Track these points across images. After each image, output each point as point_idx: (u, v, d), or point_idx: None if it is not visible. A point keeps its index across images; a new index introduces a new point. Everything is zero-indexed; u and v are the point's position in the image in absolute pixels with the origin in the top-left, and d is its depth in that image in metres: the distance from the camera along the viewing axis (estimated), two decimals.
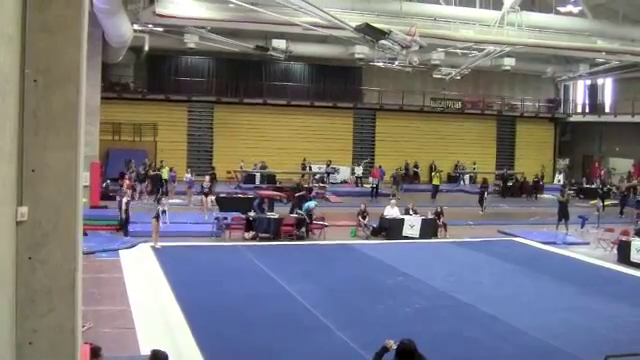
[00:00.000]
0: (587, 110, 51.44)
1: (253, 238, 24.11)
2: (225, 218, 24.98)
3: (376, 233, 25.80)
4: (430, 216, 26.63)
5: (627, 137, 46.16)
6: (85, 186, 24.59)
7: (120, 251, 20.84)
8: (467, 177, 46.60)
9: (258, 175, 40.19)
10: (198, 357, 11.78)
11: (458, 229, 27.55)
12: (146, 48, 33.05)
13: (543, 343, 13.26)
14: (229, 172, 39.83)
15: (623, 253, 22.83)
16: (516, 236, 26.79)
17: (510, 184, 43.17)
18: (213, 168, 36.45)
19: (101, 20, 22.79)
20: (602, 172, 45.71)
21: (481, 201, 33.34)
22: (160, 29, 32.87)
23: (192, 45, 35.07)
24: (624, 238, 23.57)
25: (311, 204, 26.23)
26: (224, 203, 29.17)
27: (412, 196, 34.23)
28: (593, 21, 35.10)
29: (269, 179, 39.72)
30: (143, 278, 17.83)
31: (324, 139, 44.49)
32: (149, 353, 8.19)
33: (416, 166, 45.86)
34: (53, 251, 3.77)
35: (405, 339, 7.79)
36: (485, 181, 36.31)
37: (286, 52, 38.05)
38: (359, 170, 43.20)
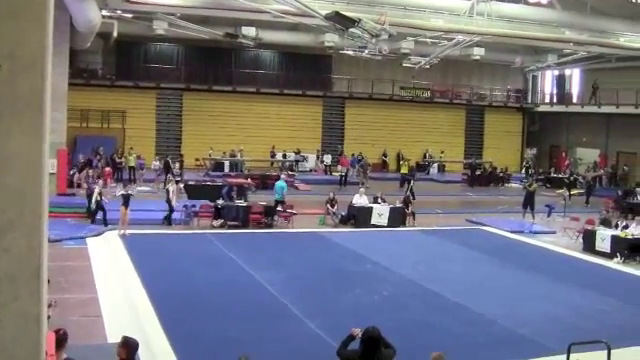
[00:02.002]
0: (555, 100, 51.82)
1: (221, 226, 24.05)
2: (194, 206, 24.90)
3: (345, 221, 25.86)
4: (398, 204, 26.73)
5: (594, 127, 46.60)
6: (52, 173, 24.43)
7: (87, 239, 20.70)
8: (435, 166, 46.78)
9: (227, 163, 40.09)
10: (165, 345, 11.74)
11: (426, 217, 27.68)
12: (115, 34, 32.69)
13: (510, 331, 13.39)
14: (198, 160, 39.68)
15: (588, 242, 23.09)
16: (484, 225, 26.98)
17: (478, 173, 43.43)
18: (182, 155, 36.24)
19: (69, 5, 22.53)
20: (568, 162, 46.11)
21: (411, 191, 32.43)
22: (129, 15, 32.56)
23: (161, 32, 34.74)
24: (589, 227, 23.86)
25: (283, 185, 26.42)
26: (193, 191, 29.06)
27: (381, 184, 34.29)
28: (562, 12, 35.32)
29: (238, 167, 39.62)
30: (111, 266, 17.73)
31: (293, 127, 44.43)
32: (119, 340, 8.13)
33: (385, 154, 45.99)
34: (18, 239, 3.72)
35: (370, 326, 7.80)
36: (412, 168, 36.42)
37: (256, 40, 37.87)
38: (328, 158, 43.25)
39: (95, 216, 23.14)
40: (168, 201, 24.02)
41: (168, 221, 23.77)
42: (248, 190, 29.15)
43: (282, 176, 29.51)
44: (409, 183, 33.23)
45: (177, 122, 43.39)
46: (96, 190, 23.39)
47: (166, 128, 43.18)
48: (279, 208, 25.40)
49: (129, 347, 7.78)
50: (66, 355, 7.75)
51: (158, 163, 33.10)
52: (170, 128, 43.28)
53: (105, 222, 22.83)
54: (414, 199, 29.01)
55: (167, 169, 32.86)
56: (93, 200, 23.13)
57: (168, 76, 42.65)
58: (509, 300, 15.87)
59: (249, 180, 32.64)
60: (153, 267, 17.56)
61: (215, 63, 43.18)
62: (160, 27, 34.37)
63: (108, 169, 31.27)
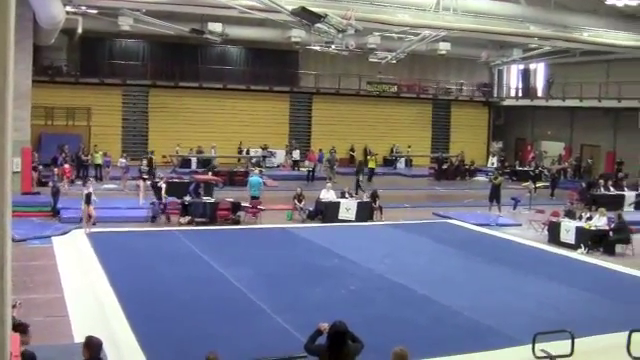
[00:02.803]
0: (520, 94, 52.27)
1: (189, 223, 24.01)
2: (161, 203, 24.80)
3: (312, 216, 25.90)
4: (366, 199, 26.83)
5: (558, 121, 47.07)
6: (15, 172, 24.17)
7: (53, 238, 20.53)
8: (403, 160, 46.98)
9: (194, 159, 39.95)
10: (133, 343, 11.69)
11: (394, 212, 27.82)
12: (79, 31, 32.32)
13: (477, 323, 13.50)
14: (165, 156, 39.50)
15: (553, 234, 23.39)
16: (451, 218, 27.17)
17: (445, 167, 43.69)
18: (152, 152, 36.06)
19: (32, 1, 22.29)
20: (533, 155, 46.53)
21: (357, 184, 32.77)
22: (94, 11, 32.24)
23: (126, 28, 34.42)
24: (554, 219, 24.14)
25: (260, 180, 26.65)
26: (159, 188, 28.87)
27: (348, 179, 34.36)
28: (526, 7, 35.55)
29: (205, 163, 39.48)
30: (77, 265, 17.61)
31: (260, 123, 44.34)
32: (84, 340, 8.07)
33: (352, 149, 46.09)
34: None
35: (337, 321, 7.88)
36: (360, 163, 36.34)
37: (222, 35, 37.66)
38: (296, 154, 43.25)
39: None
40: (159, 197, 24.28)
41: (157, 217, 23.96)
42: (215, 187, 29.06)
43: (255, 171, 29.50)
44: (357, 177, 33.36)
45: (143, 119, 43.13)
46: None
47: (132, 125, 42.91)
48: (245, 204, 25.35)
49: (92, 346, 7.74)
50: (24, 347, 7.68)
51: (125, 160, 32.86)
52: (136, 125, 43.02)
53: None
54: (357, 194, 29.05)
55: (150, 166, 32.88)
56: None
57: (134, 73, 42.35)
58: (475, 292, 16.01)
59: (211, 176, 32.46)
60: (120, 265, 17.47)
61: (181, 59, 42.95)
62: (125, 23, 34.04)
63: (67, 166, 30.97)
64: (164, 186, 24.90)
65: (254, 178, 26.88)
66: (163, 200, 24.59)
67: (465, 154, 46.48)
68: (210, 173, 32.66)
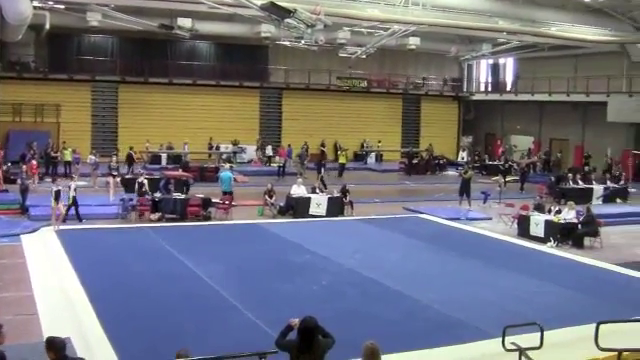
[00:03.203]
0: (489, 89, 52.59)
1: (159, 219, 23.89)
2: (131, 199, 24.66)
3: (283, 212, 25.89)
4: (336, 194, 26.87)
5: (528, 115, 47.43)
6: None
7: (22, 236, 20.33)
8: (373, 155, 47.10)
9: (164, 156, 39.77)
10: (104, 341, 11.60)
11: (364, 207, 27.88)
12: (47, 26, 32.06)
13: (448, 317, 13.56)
14: (135, 152, 39.24)
15: (523, 227, 23.59)
16: (421, 212, 27.28)
17: (415, 161, 43.84)
18: (131, 148, 35.88)
19: None
20: (502, 149, 46.83)
21: (321, 180, 32.04)
22: (61, 6, 32.01)
23: (95, 23, 34.19)
24: (524, 213, 24.34)
25: (230, 175, 26.62)
26: (130, 184, 28.73)
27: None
28: (495, 2, 35.74)
29: (175, 159, 39.32)
30: (46, 263, 17.45)
31: (230, 118, 44.23)
32: (45, 342, 7.94)
33: (323, 145, 46.10)
34: None
35: (307, 316, 7.88)
36: (320, 159, 36.23)
37: (191, 31, 37.53)
38: (269, 149, 43.22)
39: (69, 211, 22.72)
40: (141, 193, 24.37)
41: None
42: (189, 183, 28.92)
43: (226, 167, 29.42)
44: (319, 173, 33.39)
45: (113, 115, 42.87)
46: (72, 185, 23.08)
47: (102, 121, 42.65)
48: (216, 200, 25.28)
49: (55, 346, 7.64)
50: None
51: (94, 157, 32.62)
52: (106, 121, 42.75)
53: (79, 217, 22.81)
54: (326, 189, 29.07)
55: (130, 162, 33.58)
56: (70, 195, 22.71)
57: (103, 68, 42.06)
58: (446, 286, 16.08)
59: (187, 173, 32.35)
60: (90, 262, 17.33)
61: (151, 55, 42.70)
62: (94, 18, 33.83)
63: (34, 162, 30.68)
64: (146, 181, 24.92)
65: (225, 173, 26.79)
66: (147, 196, 24.49)
67: (434, 148, 46.77)
68: (181, 170, 32.54)
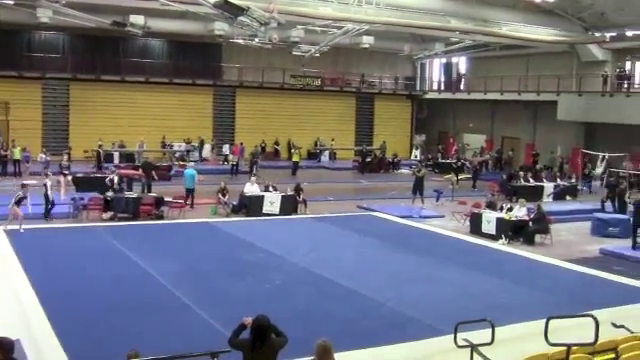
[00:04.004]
0: (442, 88, 52.97)
1: (111, 218, 23.63)
2: (82, 198, 24.37)
3: (236, 210, 25.80)
4: (290, 192, 26.85)
5: (480, 114, 47.89)
6: None
7: None
8: (327, 153, 47.15)
9: (116, 154, 39.36)
10: (55, 343, 11.38)
11: (318, 205, 27.90)
12: None
13: (401, 314, 13.62)
14: (86, 151, 38.84)
15: (475, 225, 23.85)
16: (374, 211, 27.37)
17: (369, 160, 43.98)
18: (100, 146, 35.39)
19: None
20: (455, 148, 47.22)
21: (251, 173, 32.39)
22: (10, 2, 31.49)
23: (45, 20, 33.66)
24: (476, 210, 24.58)
25: (193, 173, 26.75)
26: (81, 183, 28.42)
27: (272, 173, 34.32)
28: (448, 2, 36.11)
29: (127, 158, 38.95)
30: None
31: (184, 117, 43.93)
32: None
33: (277, 143, 46.09)
34: None
35: (260, 315, 7.92)
36: (253, 155, 35.81)
37: (144, 28, 37.13)
38: (226, 148, 43.06)
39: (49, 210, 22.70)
40: (114, 191, 24.24)
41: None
42: (150, 182, 28.61)
43: (190, 164, 29.31)
44: (251, 171, 33.22)
45: (64, 113, 42.27)
46: (48, 184, 22.91)
47: (52, 119, 42.02)
48: (168, 199, 25.10)
49: (3, 347, 7.50)
50: None
51: (45, 156, 32.18)
52: (57, 119, 42.14)
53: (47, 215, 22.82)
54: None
55: (99, 160, 34.03)
56: (49, 194, 22.78)
57: (54, 66, 41.35)
58: (399, 284, 16.14)
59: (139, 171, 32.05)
60: (41, 263, 17.02)
61: (102, 52, 42.19)
62: (44, 15, 33.29)
63: None
64: (116, 178, 24.75)
65: (188, 171, 26.88)
66: (122, 193, 24.44)
67: (387, 145, 46.98)
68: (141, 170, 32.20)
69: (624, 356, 8.42)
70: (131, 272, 16.42)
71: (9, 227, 20.82)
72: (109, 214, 23.79)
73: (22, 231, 20.57)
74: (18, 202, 20.96)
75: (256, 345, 7.79)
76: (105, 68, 41.71)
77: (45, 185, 22.90)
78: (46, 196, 22.92)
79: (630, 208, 23.47)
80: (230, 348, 8.08)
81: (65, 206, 24.23)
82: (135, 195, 24.95)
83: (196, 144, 43.04)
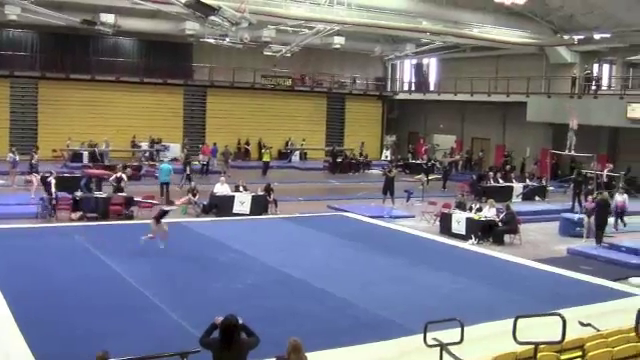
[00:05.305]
0: (413, 88, 53.17)
1: (80, 219, 23.45)
2: (52, 198, 24.13)
3: (207, 210, 25.73)
4: (260, 192, 26.83)
5: (450, 115, 48.14)
6: None
7: None
8: (297, 153, 47.15)
9: (86, 154, 39.08)
10: (23, 346, 11.26)
11: (288, 205, 27.92)
12: None
13: (372, 314, 13.67)
14: (55, 151, 38.54)
15: (445, 225, 24.02)
16: (345, 211, 27.43)
17: (339, 160, 44.05)
18: (83, 144, 35.14)
19: None
20: (425, 148, 47.44)
21: (188, 177, 31.81)
22: None
23: (14, 17, 33.27)
24: (446, 211, 24.73)
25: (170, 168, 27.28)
26: (49, 183, 28.13)
27: (243, 173, 34.26)
28: (419, 3, 36.27)
29: (97, 157, 38.66)
30: None
31: (154, 116, 43.71)
32: None
33: (247, 143, 46.03)
34: None
35: (228, 314, 7.99)
36: (188, 157, 35.18)
37: (114, 27, 36.92)
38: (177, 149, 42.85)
39: None
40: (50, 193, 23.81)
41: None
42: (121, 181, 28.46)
43: (165, 160, 29.29)
44: (185, 172, 32.96)
45: (32, 112, 41.80)
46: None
47: (21, 119, 41.53)
48: (138, 199, 24.97)
49: None
50: None
51: (13, 155, 31.88)
52: (25, 119, 41.65)
53: None
54: (190, 184, 29.28)
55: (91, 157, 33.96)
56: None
57: (22, 64, 40.92)
58: (370, 283, 16.20)
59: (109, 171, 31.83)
60: (8, 263, 16.83)
61: (72, 51, 41.79)
62: (13, 12, 32.91)
63: None
64: (53, 181, 24.18)
65: (164, 165, 27.18)
66: (53, 195, 23.95)
67: (357, 148, 47.22)
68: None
69: (590, 354, 8.53)
70: (100, 273, 16.30)
71: None
72: (78, 214, 23.62)
73: None
74: None
75: (224, 344, 7.85)
76: (75, 67, 41.30)
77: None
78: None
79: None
80: (201, 348, 8.11)
81: (33, 206, 24.03)
82: (104, 195, 24.79)
83: (167, 144, 42.57)
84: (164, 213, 18.97)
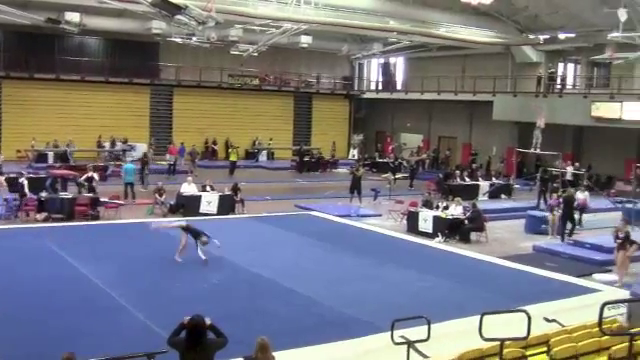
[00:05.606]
0: (380, 87, 53.31)
1: (45, 219, 23.21)
2: (15, 199, 23.89)
3: (173, 210, 25.58)
4: (227, 192, 26.75)
5: (417, 114, 48.33)
6: None
7: None
8: (265, 153, 47.08)
9: (51, 154, 38.70)
10: None
11: (256, 204, 27.87)
12: None
13: (340, 312, 13.71)
14: (20, 151, 38.14)
15: (412, 223, 24.13)
16: (312, 210, 27.44)
17: (306, 159, 44.06)
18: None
19: None
20: (392, 147, 47.60)
21: (142, 179, 31.84)
22: None
23: None
24: (413, 209, 24.84)
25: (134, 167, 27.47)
26: (15, 183, 27.83)
27: (210, 173, 34.12)
28: (386, 2, 36.38)
29: (62, 158, 38.30)
30: None
31: (120, 116, 43.36)
32: None
33: (214, 143, 45.87)
34: None
35: (195, 315, 7.99)
36: (145, 156, 34.93)
37: (80, 26, 36.58)
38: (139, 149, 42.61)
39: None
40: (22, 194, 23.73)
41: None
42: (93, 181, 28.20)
43: (129, 159, 29.16)
44: (142, 170, 32.75)
45: None
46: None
47: None
48: (104, 199, 24.80)
49: None
50: None
51: None
52: None
53: None
54: (146, 187, 29.93)
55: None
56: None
57: None
58: (337, 282, 16.24)
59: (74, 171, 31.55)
60: None
61: (37, 50, 41.18)
62: None
63: None
64: (26, 182, 24.15)
65: (128, 165, 27.14)
66: (28, 195, 23.88)
67: (325, 147, 47.24)
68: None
69: (555, 349, 8.61)
70: (65, 274, 16.16)
71: None
72: (43, 215, 23.38)
73: None
74: None
75: (190, 344, 7.85)
76: (40, 66, 40.78)
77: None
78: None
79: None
80: (169, 348, 8.08)
81: None
82: (70, 195, 24.57)
83: (133, 144, 42.24)
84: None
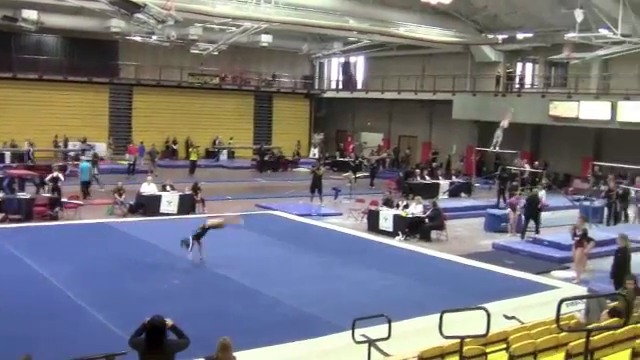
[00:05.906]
0: (340, 87, 53.38)
1: (3, 220, 22.87)
2: None
3: (133, 210, 25.39)
4: (187, 192, 26.61)
5: (377, 113, 48.48)
6: None
7: None
8: (225, 152, 46.91)
9: (8, 154, 38.17)
10: None
11: (216, 204, 27.72)
12: None
13: (301, 312, 13.73)
14: None
15: (372, 222, 24.21)
16: (273, 209, 27.39)
17: (267, 158, 44.00)
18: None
19: None
20: (353, 146, 47.73)
21: (95, 178, 31.12)
22: None
23: None
24: (373, 208, 24.93)
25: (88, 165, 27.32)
26: None
27: (170, 172, 33.91)
28: (345, 1, 36.44)
29: (20, 157, 37.81)
30: None
31: (79, 115, 42.89)
32: None
33: (174, 142, 45.61)
34: None
35: (155, 315, 7.96)
36: (95, 155, 34.79)
37: (37, 24, 36.14)
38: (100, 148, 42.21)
39: None
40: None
41: None
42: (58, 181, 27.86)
43: (84, 158, 28.91)
44: (92, 169, 32.49)
45: None
46: None
47: None
48: (64, 199, 24.54)
49: None
50: None
51: None
52: None
53: None
54: (102, 187, 29.75)
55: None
56: None
57: None
58: (299, 282, 16.26)
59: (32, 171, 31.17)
60: None
61: None
62: None
63: None
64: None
65: (84, 164, 27.22)
66: None
67: (285, 146, 47.20)
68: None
69: (514, 346, 8.69)
70: (23, 274, 15.94)
71: None
72: (0, 215, 23.05)
73: None
74: None
75: (149, 345, 7.83)
76: None
77: None
78: None
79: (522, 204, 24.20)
80: (130, 348, 8.04)
81: None
82: (28, 196, 24.26)
83: (92, 143, 41.78)
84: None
